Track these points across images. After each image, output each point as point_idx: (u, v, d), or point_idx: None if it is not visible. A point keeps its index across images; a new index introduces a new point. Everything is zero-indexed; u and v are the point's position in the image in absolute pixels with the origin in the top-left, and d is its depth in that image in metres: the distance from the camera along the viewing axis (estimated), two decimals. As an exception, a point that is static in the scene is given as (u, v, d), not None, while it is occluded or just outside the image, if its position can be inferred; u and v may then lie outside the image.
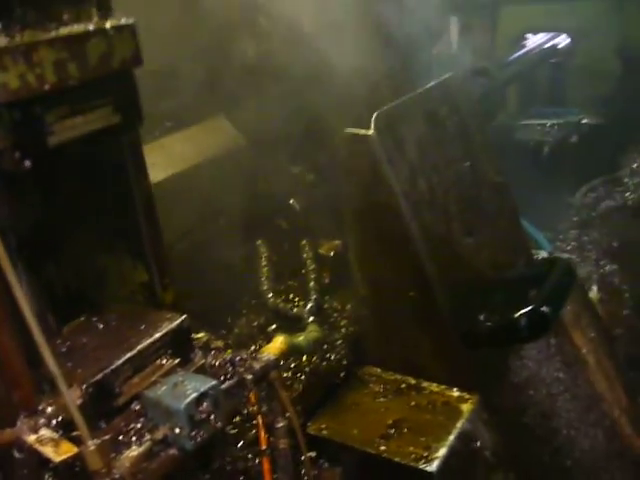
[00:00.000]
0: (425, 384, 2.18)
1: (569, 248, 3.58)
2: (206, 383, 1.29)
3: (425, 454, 1.90)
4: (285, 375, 2.00)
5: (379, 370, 2.26)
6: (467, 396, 2.12)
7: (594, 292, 3.37)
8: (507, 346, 2.27)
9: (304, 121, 2.43)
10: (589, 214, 3.72)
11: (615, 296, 3.51)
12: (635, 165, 3.85)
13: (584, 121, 4.61)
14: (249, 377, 1.45)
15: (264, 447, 1.64)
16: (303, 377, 2.05)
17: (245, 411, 1.81)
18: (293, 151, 2.49)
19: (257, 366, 1.48)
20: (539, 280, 2.32)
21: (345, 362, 2.18)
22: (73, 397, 1.14)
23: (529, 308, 2.10)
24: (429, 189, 2.09)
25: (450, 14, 5.10)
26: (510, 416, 2.25)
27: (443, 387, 2.16)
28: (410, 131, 2.07)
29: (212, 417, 1.30)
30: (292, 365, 2.07)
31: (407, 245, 2.03)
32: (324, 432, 2.04)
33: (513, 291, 2.27)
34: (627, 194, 3.64)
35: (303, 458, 1.76)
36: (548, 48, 5.30)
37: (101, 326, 1.43)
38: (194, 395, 1.25)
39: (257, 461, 1.69)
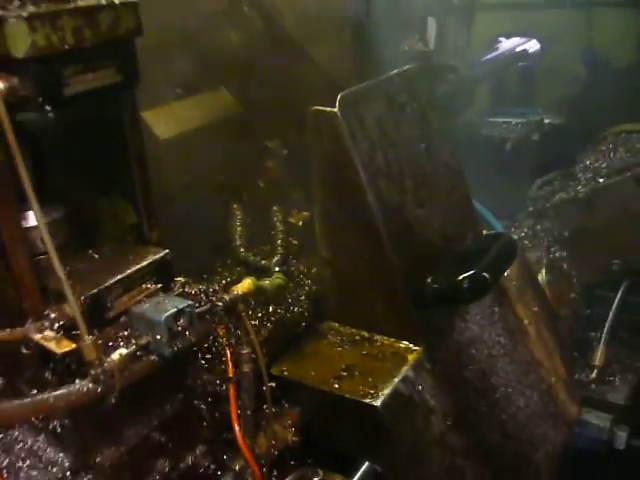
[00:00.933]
0: (377, 337, 2.46)
1: (522, 235, 3.88)
2: (184, 303, 1.57)
3: (372, 392, 2.18)
4: (253, 323, 2.27)
5: (337, 325, 2.54)
6: (413, 348, 2.40)
7: (542, 275, 3.66)
8: (451, 306, 2.56)
9: (280, 101, 2.71)
10: (544, 205, 4.01)
11: (563, 280, 3.80)
12: (588, 162, 4.14)
13: (546, 120, 4.93)
14: (219, 304, 1.72)
15: (231, 375, 1.92)
16: (269, 325, 2.33)
17: (214, 349, 2.09)
18: (270, 128, 2.77)
19: (227, 297, 1.76)
20: (483, 251, 2.62)
21: (307, 314, 2.45)
22: (75, 300, 1.40)
23: (471, 272, 2.40)
24: (386, 163, 2.37)
25: (427, 14, 5.40)
26: (452, 370, 2.53)
27: (392, 340, 2.44)
28: (371, 111, 2.35)
29: (187, 332, 1.58)
30: (259, 314, 2.34)
31: (364, 211, 2.31)
32: (285, 373, 2.32)
33: (459, 259, 2.56)
34: (579, 187, 3.93)
35: (265, 388, 2.04)
36: (519, 52, 5.62)
37: (97, 256, 1.70)
38: (173, 310, 1.53)
39: (224, 387, 1.96)
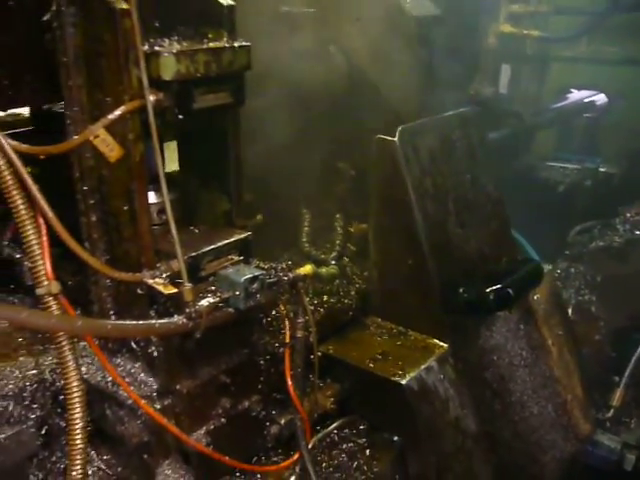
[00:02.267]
0: (411, 332, 2.91)
1: (555, 275, 4.19)
2: (258, 271, 2.07)
3: (400, 373, 2.64)
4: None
5: (379, 319, 3.00)
6: (441, 345, 2.84)
7: (569, 313, 3.96)
8: (479, 314, 2.98)
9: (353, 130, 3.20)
10: (580, 250, 4.36)
11: (589, 321, 4.11)
12: (629, 214, 4.47)
13: (602, 169, 5.28)
14: (285, 279, 2.22)
15: (288, 341, 2.41)
16: (321, 311, 2.81)
17: (274, 323, 2.58)
18: (342, 151, 3.26)
19: (291, 275, 2.25)
20: (512, 272, 3.04)
21: (354, 307, 2.93)
22: (180, 257, 1.91)
23: (497, 287, 2.83)
24: (434, 188, 2.84)
25: (502, 61, 5.83)
26: (473, 368, 2.95)
27: (424, 336, 2.88)
28: (425, 143, 2.83)
29: (258, 295, 2.07)
30: (315, 302, 2.83)
31: (411, 226, 2.78)
32: (330, 351, 2.80)
33: (490, 276, 2.99)
34: (616, 237, 4.27)
35: (312, 357, 2.52)
36: (585, 103, 5.99)
37: (196, 231, 2.23)
38: (250, 275, 2.02)
39: (281, 350, 2.45)
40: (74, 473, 1.91)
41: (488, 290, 2.82)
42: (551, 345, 3.43)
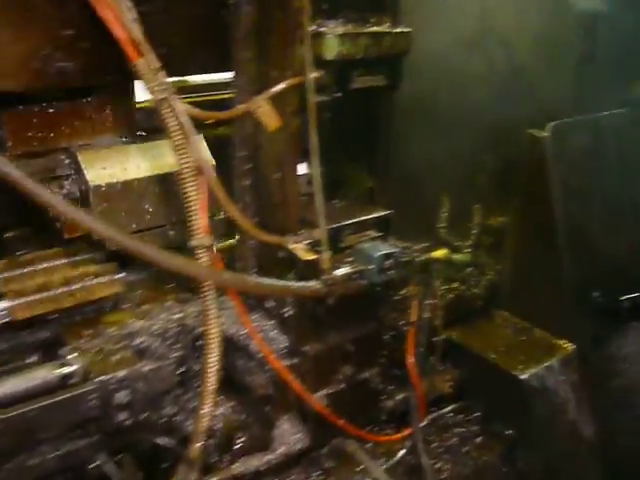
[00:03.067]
0: (537, 330, 2.91)
1: None
2: (394, 249, 2.16)
3: (521, 367, 2.65)
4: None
5: (507, 313, 3.02)
6: (567, 346, 2.82)
7: None
8: (610, 321, 2.92)
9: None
10: None
11: None
12: None
13: None
14: (418, 260, 2.29)
15: (414, 319, 2.48)
16: (450, 296, 2.86)
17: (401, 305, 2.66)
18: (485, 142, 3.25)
19: (424, 257, 2.33)
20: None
21: (483, 297, 2.96)
22: (323, 226, 2.03)
23: (634, 295, 2.77)
24: (578, 187, 2.80)
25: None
26: (599, 376, 2.90)
27: (550, 335, 2.87)
28: (576, 142, 2.79)
29: (391, 271, 2.16)
30: (445, 287, 2.88)
31: (551, 224, 2.76)
32: (454, 337, 2.85)
33: (629, 283, 2.91)
34: None
35: (435, 339, 2.58)
36: None
37: (338, 205, 2.35)
38: (386, 251, 2.12)
39: (406, 328, 2.53)
40: (203, 412, 2.08)
41: (624, 297, 2.76)
42: (687, 365, 3.28)
